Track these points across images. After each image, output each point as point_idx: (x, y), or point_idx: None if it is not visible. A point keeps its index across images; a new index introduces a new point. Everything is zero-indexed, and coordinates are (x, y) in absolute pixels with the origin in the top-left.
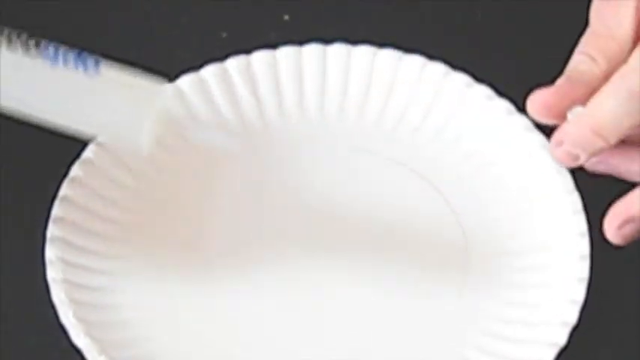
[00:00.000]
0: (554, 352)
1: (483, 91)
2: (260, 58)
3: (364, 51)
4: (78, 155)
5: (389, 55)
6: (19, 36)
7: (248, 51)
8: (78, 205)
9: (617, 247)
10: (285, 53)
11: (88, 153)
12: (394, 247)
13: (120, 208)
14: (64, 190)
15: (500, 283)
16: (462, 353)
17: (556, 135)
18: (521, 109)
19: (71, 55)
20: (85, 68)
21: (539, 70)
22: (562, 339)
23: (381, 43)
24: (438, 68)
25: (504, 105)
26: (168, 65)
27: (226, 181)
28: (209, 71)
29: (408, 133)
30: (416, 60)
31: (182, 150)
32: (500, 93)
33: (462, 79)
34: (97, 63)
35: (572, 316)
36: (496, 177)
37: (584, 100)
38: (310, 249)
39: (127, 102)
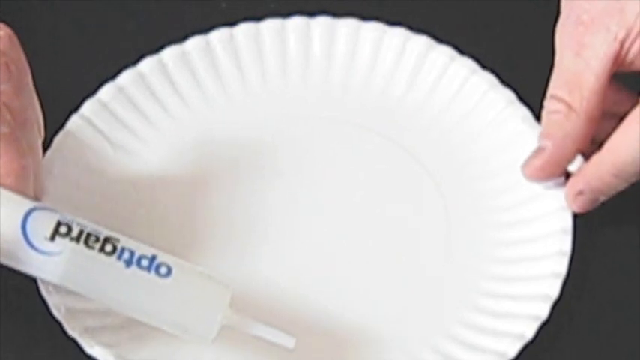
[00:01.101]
0: (535, 325)
1: (467, 64)
2: (243, 30)
3: (348, 23)
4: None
5: (373, 27)
6: (97, 239)
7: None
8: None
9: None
10: (269, 26)
11: (56, 142)
12: (376, 219)
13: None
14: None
15: (482, 256)
16: (446, 325)
17: (572, 187)
18: (505, 82)
19: (145, 261)
20: (158, 272)
21: (524, 43)
22: (544, 312)
23: (366, 16)
24: (422, 41)
25: (488, 78)
26: (175, 30)
27: (210, 152)
28: (192, 44)
29: (390, 106)
30: (400, 33)
31: (170, 127)
32: (484, 66)
33: (445, 51)
34: (169, 270)
35: (554, 290)
36: (478, 150)
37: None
38: (291, 216)
39: (197, 305)
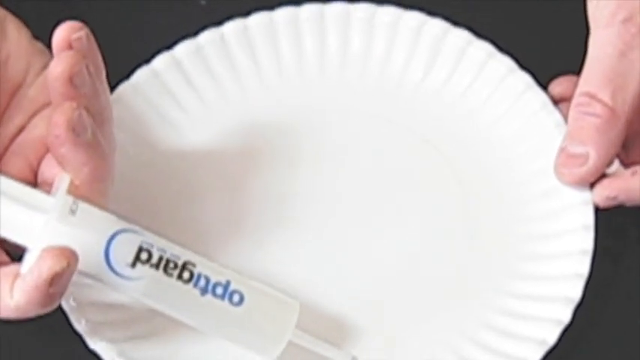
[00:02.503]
0: (557, 330)
1: (485, 48)
2: (257, 20)
3: (363, 9)
4: None
5: (388, 12)
6: (175, 266)
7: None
8: None
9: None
10: (283, 14)
11: None
12: (395, 211)
13: None
14: None
15: (501, 251)
16: (465, 326)
17: (606, 190)
18: (523, 66)
19: (220, 288)
20: (231, 300)
21: (541, 26)
22: (566, 316)
23: (381, 0)
24: (439, 25)
25: (506, 62)
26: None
27: (226, 142)
28: (205, 38)
29: (408, 93)
30: (416, 17)
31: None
32: (502, 50)
33: (462, 35)
34: (241, 298)
35: (576, 293)
36: (496, 138)
37: None
38: (309, 206)
39: (267, 328)
